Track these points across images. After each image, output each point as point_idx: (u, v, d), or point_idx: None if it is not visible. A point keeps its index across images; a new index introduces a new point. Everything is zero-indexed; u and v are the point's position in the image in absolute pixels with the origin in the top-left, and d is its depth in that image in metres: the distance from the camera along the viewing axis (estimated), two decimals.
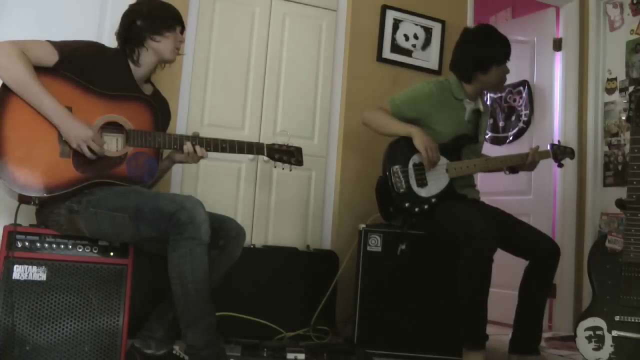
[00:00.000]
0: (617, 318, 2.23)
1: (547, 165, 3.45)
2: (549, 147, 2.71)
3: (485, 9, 4.41)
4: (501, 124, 4.09)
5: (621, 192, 2.57)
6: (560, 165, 2.77)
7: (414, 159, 2.47)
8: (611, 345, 2.22)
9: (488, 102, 4.11)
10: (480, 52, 2.52)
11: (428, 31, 3.33)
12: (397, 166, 2.45)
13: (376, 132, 2.58)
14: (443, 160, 2.47)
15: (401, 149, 2.47)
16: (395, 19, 3.25)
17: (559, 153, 2.71)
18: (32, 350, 1.79)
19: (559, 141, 2.81)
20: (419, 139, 2.40)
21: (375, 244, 2.52)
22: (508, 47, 2.55)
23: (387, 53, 3.23)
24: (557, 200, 3.65)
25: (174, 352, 2.06)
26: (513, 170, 2.68)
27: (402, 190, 2.42)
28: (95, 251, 1.94)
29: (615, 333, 2.22)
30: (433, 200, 2.44)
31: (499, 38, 2.54)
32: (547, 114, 3.78)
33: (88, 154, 1.85)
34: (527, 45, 3.88)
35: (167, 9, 2.11)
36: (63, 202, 1.88)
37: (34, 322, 1.81)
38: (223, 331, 1.94)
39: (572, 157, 2.77)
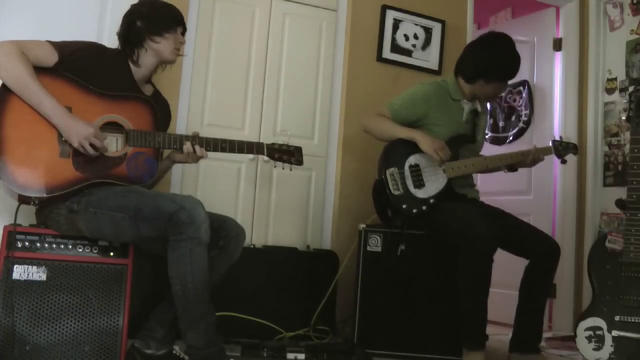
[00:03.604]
0: (617, 318, 2.23)
1: (547, 164, 3.46)
2: (550, 144, 2.69)
3: (485, 9, 4.41)
4: (501, 124, 4.09)
5: (621, 192, 2.58)
6: (564, 162, 2.74)
7: (410, 160, 2.47)
8: (611, 345, 2.22)
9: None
10: (493, 62, 2.49)
11: (428, 31, 3.33)
12: (393, 168, 2.44)
13: (378, 139, 2.58)
14: None
15: (396, 151, 2.47)
16: (395, 19, 3.25)
17: (561, 149, 2.69)
18: (32, 350, 1.79)
19: (560, 137, 2.79)
20: (425, 143, 2.40)
21: (375, 244, 2.52)
22: (518, 67, 2.54)
23: (387, 53, 3.23)
24: (557, 200, 3.65)
25: (174, 352, 2.06)
26: (512, 168, 2.67)
27: (399, 192, 2.42)
28: (95, 251, 1.94)
29: (615, 333, 2.22)
30: (431, 201, 2.44)
31: (515, 56, 2.51)
32: (547, 114, 3.79)
33: (91, 151, 1.85)
34: (527, 45, 3.88)
35: (168, 10, 2.10)
36: (63, 202, 1.88)
37: (34, 322, 1.81)
38: (223, 331, 1.95)
39: (575, 153, 2.75)
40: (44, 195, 1.82)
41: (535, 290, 2.42)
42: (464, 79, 2.56)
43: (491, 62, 2.49)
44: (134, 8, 2.09)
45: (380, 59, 3.21)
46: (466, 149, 2.58)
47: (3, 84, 1.81)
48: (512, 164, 2.63)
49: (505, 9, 4.55)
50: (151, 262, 2.08)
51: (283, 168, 2.21)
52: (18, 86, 1.79)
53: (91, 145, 1.85)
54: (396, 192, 2.42)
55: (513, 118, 4.01)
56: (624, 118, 3.26)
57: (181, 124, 2.79)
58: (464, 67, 2.57)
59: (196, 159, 2.07)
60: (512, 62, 2.52)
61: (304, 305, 2.66)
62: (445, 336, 2.44)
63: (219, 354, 1.87)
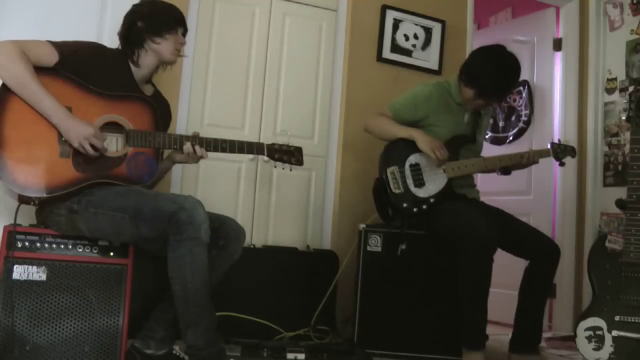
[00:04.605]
0: (617, 318, 2.23)
1: (547, 165, 3.46)
2: (549, 146, 2.70)
3: (485, 9, 4.41)
4: (501, 124, 4.09)
5: (621, 192, 2.57)
6: (562, 164, 2.75)
7: (410, 159, 2.47)
8: (611, 345, 2.22)
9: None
10: (476, 70, 2.47)
11: (428, 31, 3.33)
12: (393, 167, 2.45)
13: (378, 138, 2.58)
14: None
15: (397, 150, 2.48)
16: (395, 19, 3.25)
17: (560, 152, 2.70)
18: (32, 350, 1.79)
19: (559, 140, 2.79)
20: (423, 142, 2.41)
21: (375, 244, 2.52)
22: (502, 92, 2.52)
23: (387, 53, 3.23)
24: (557, 200, 3.65)
25: (174, 352, 2.06)
26: (506, 171, 2.67)
27: (399, 191, 2.42)
28: (95, 251, 1.94)
29: (615, 333, 2.22)
30: (431, 200, 2.44)
31: (501, 80, 2.46)
32: (547, 114, 3.79)
33: (91, 151, 1.85)
34: (527, 45, 3.88)
35: (168, 11, 2.10)
36: (63, 202, 1.87)
37: (34, 322, 1.81)
38: (223, 331, 1.94)
39: (573, 156, 2.76)
40: (44, 195, 1.82)
41: (535, 291, 2.42)
42: (459, 79, 2.57)
43: (475, 69, 2.48)
44: (134, 8, 2.09)
45: (380, 59, 3.21)
46: (467, 150, 2.58)
47: (3, 84, 1.81)
48: (509, 165, 2.62)
49: (505, 9, 4.55)
50: (151, 262, 2.08)
51: (283, 168, 2.21)
52: (18, 86, 1.79)
53: (91, 145, 1.85)
54: (397, 191, 2.42)
55: (513, 118, 4.01)
56: (624, 118, 3.26)
57: (181, 124, 2.79)
58: (462, 68, 2.57)
59: (196, 159, 2.07)
60: (492, 80, 2.45)
61: (304, 305, 2.66)
62: (445, 336, 2.44)
63: (219, 354, 1.87)
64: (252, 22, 3.00)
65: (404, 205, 2.42)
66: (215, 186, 2.85)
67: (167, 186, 2.70)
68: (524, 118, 3.93)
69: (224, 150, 2.08)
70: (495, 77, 2.45)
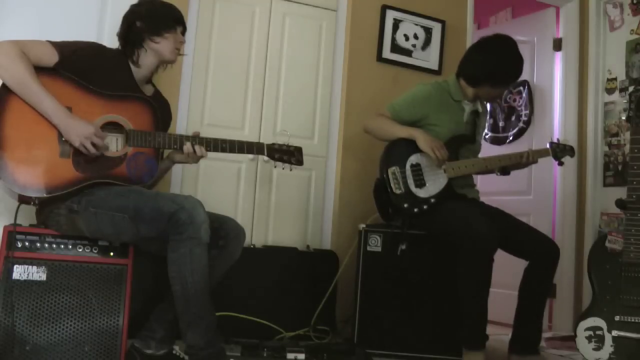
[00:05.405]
0: (617, 318, 2.23)
1: (547, 165, 3.46)
2: (548, 146, 2.71)
3: (485, 9, 4.41)
4: (501, 124, 4.09)
5: (621, 192, 2.57)
6: (561, 164, 2.75)
7: (411, 159, 2.47)
8: (611, 345, 2.22)
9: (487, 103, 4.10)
10: (500, 68, 2.49)
11: (428, 31, 3.33)
12: (394, 167, 2.45)
13: (378, 139, 2.58)
14: None
15: (398, 150, 2.48)
16: (395, 19, 3.25)
17: (559, 151, 2.70)
18: (32, 350, 1.79)
19: (557, 139, 2.80)
20: (423, 141, 2.41)
21: (375, 244, 2.52)
22: (522, 69, 2.55)
23: (387, 53, 3.23)
24: (557, 200, 3.65)
25: (174, 352, 2.06)
26: (505, 171, 2.67)
27: (400, 191, 2.43)
28: (95, 251, 1.94)
29: (615, 333, 2.22)
30: (432, 200, 2.44)
31: (520, 60, 2.52)
32: (547, 114, 3.79)
33: (92, 150, 1.85)
34: (527, 45, 3.88)
35: (167, 10, 2.10)
36: (63, 202, 1.87)
37: (34, 322, 1.81)
38: (223, 331, 1.94)
39: (572, 155, 2.76)
40: (44, 195, 1.82)
41: (535, 292, 2.42)
42: (467, 81, 2.56)
43: (498, 67, 2.49)
44: (133, 8, 2.09)
45: (380, 59, 3.21)
46: (466, 149, 2.58)
47: (3, 84, 1.81)
48: (508, 165, 2.62)
49: (505, 9, 4.55)
50: (151, 262, 2.08)
51: (283, 168, 2.21)
52: (18, 86, 1.79)
53: (92, 144, 1.85)
54: (397, 191, 2.42)
55: (513, 118, 4.01)
56: (624, 118, 3.26)
57: (181, 124, 2.79)
58: (468, 70, 2.56)
59: (196, 159, 2.07)
60: (517, 66, 2.52)
61: (304, 305, 2.66)
62: (445, 336, 2.44)
63: (219, 354, 1.87)
64: (252, 22, 3.01)
65: (405, 205, 2.42)
66: (215, 186, 2.85)
67: (167, 186, 2.70)
68: (524, 118, 3.93)
69: (224, 150, 2.08)
70: (503, 62, 2.48)
